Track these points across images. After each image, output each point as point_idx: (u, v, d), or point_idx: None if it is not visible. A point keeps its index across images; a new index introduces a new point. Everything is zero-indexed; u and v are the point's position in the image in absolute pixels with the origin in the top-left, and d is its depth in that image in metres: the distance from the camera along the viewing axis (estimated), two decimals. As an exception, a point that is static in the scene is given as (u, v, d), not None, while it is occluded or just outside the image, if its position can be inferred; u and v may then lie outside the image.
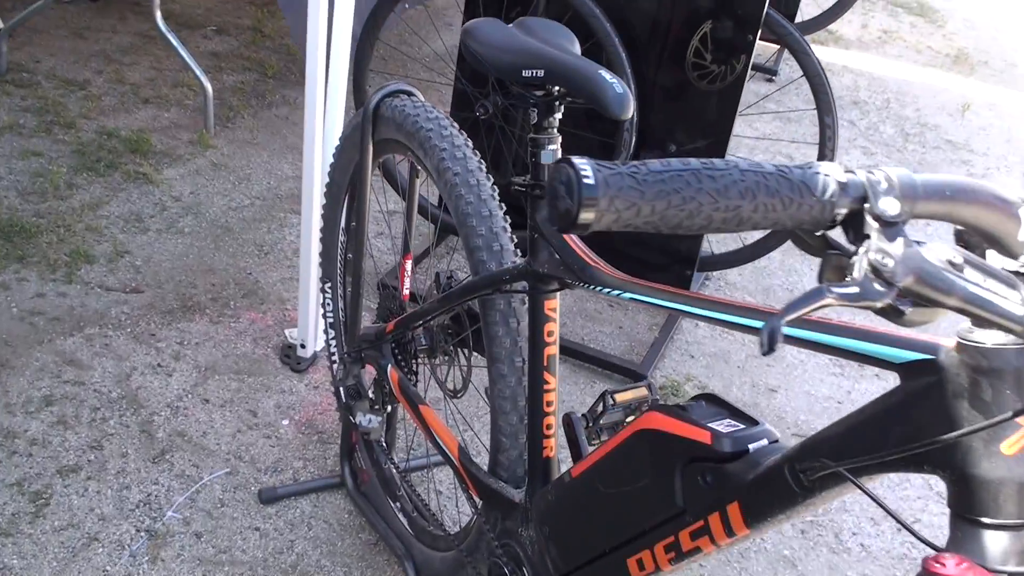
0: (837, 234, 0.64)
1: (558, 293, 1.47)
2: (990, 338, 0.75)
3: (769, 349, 0.60)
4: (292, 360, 2.70)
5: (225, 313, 2.87)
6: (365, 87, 3.31)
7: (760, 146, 4.77)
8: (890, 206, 0.64)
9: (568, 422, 1.53)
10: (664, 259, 3.08)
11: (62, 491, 2.17)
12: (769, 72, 5.57)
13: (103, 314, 2.77)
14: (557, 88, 1.38)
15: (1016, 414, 0.73)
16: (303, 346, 2.69)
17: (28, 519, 2.09)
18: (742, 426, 1.13)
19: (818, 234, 0.66)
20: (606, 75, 1.26)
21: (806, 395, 2.94)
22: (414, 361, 1.91)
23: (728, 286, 3.52)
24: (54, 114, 3.84)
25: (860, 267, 0.62)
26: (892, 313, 0.64)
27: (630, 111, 1.25)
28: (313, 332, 2.67)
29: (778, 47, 5.43)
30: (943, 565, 0.79)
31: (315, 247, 2.50)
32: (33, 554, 2.01)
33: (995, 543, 0.81)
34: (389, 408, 2.10)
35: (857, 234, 0.64)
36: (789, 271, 3.63)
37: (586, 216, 0.58)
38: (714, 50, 2.82)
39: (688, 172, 0.61)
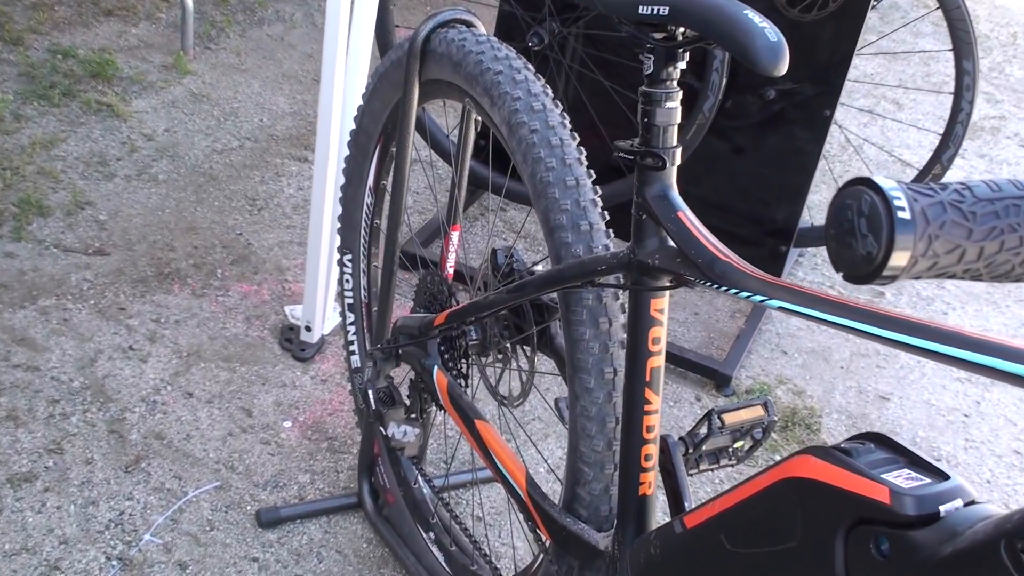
0: None
1: (668, 291, 1.40)
2: None
3: None
4: (295, 346, 2.64)
5: (211, 284, 2.81)
6: (390, 6, 3.21)
7: (859, 90, 4.68)
8: None
9: (663, 447, 1.48)
10: (753, 230, 3.01)
11: (14, 506, 2.12)
12: (873, -3, 5.46)
13: (61, 281, 2.72)
14: (683, 31, 1.30)
15: None
16: (308, 328, 2.63)
17: (-27, 540, 2.05)
18: (927, 480, 1.06)
19: None
20: (754, 17, 1.18)
21: (925, 405, 2.88)
22: (463, 361, 1.85)
23: (825, 264, 3.45)
24: (-4, 27, 3.78)
25: None
26: None
27: (784, 66, 1.17)
28: (322, 311, 2.61)
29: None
30: None
31: (329, 208, 2.44)
32: (-20, 585, 1.97)
33: None
34: (424, 415, 2.05)
35: None
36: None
37: (897, 262, 0.51)
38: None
39: None
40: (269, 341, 2.65)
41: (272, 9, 4.26)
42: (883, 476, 1.06)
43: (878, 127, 4.42)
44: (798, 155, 2.86)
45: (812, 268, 3.42)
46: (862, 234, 0.53)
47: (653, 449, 1.47)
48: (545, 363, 1.72)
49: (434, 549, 2.09)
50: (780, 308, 1.17)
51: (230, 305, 2.75)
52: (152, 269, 2.81)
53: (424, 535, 2.12)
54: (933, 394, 2.93)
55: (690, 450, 1.52)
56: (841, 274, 0.55)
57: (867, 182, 0.54)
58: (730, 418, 1.51)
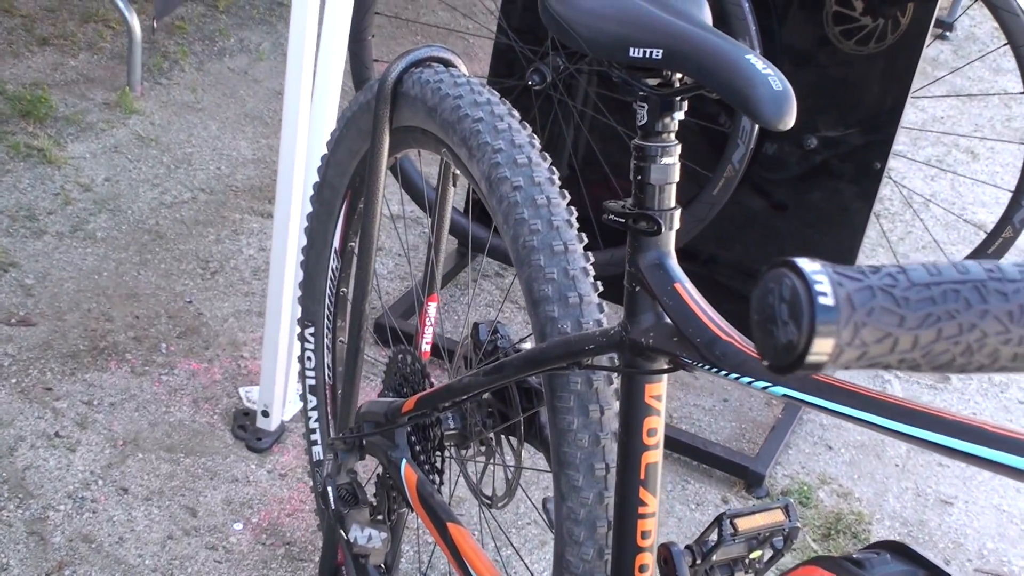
0: None
1: (665, 376, 1.45)
2: None
3: None
4: (250, 434, 2.69)
5: (153, 360, 2.87)
6: (366, 37, 3.30)
7: (926, 138, 4.75)
8: None
9: (665, 557, 1.51)
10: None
11: (-86, 619, 2.17)
12: (941, 26, 5.56)
13: (-23, 355, 2.78)
14: (680, 76, 1.36)
15: None
16: (266, 414, 2.68)
17: None
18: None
19: None
20: (756, 63, 1.24)
21: (995, 511, 2.91)
22: (436, 453, 1.90)
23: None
24: (-87, 57, 3.88)
25: None
26: None
27: (790, 120, 1.22)
28: (282, 394, 2.67)
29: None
30: None
31: (291, 273, 2.50)
32: None
33: None
34: (393, 516, 2.09)
35: None
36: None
37: (820, 352, 0.56)
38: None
39: (968, 285, 0.57)
40: (220, 428, 2.71)
41: (235, 38, 4.37)
42: (900, 593, 1.11)
43: (947, 181, 4.49)
44: (845, 214, 2.92)
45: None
46: (783, 321, 0.57)
47: (649, 559, 1.51)
48: (539, 459, 1.76)
49: (405, 676, 2.13)
50: (785, 396, 1.22)
51: (175, 386, 2.80)
52: (85, 343, 2.87)
53: (394, 659, 2.15)
54: (1004, 498, 2.96)
55: (698, 560, 1.55)
56: (766, 364, 0.59)
57: (789, 264, 0.59)
58: (744, 523, 1.55)
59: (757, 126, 2.90)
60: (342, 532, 1.96)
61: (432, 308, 2.07)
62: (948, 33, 5.66)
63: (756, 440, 2.98)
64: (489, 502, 1.83)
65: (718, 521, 1.53)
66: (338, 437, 2.02)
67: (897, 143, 4.64)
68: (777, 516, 1.56)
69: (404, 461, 1.86)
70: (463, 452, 1.90)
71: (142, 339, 2.93)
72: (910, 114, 4.87)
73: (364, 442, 1.97)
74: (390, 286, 3.29)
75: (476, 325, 1.88)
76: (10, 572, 2.29)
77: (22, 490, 2.46)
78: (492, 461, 1.85)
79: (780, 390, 1.22)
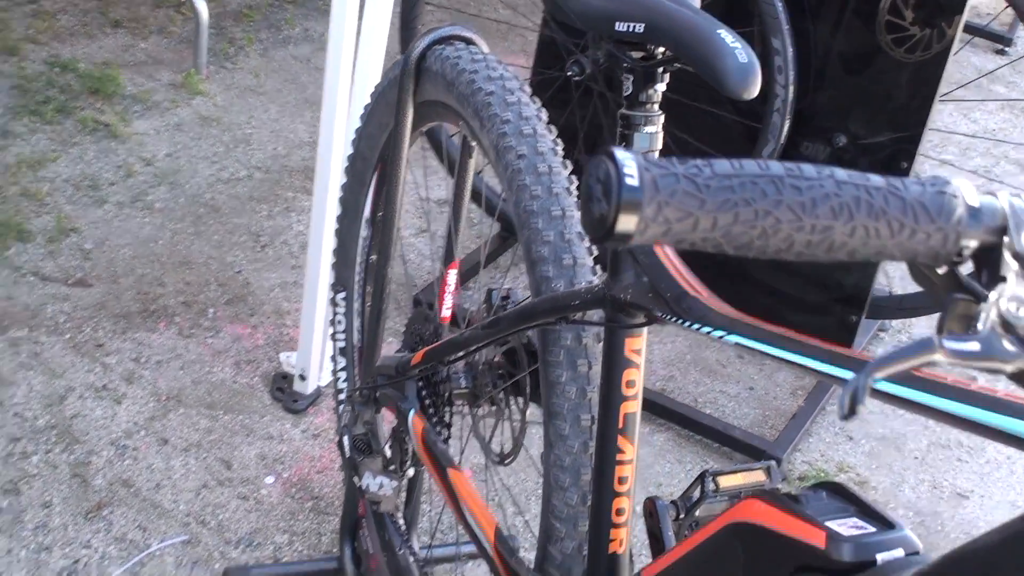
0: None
1: (645, 330, 1.54)
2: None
3: (850, 412, 0.67)
4: (287, 396, 2.81)
5: (200, 324, 3.00)
6: (416, 25, 3.42)
7: (977, 146, 4.78)
8: None
9: (651, 510, 1.59)
10: (822, 296, 3.13)
11: (-39, 547, 2.31)
12: (1000, 41, 5.58)
13: (35, 312, 2.92)
14: (662, 50, 1.45)
15: None
16: (303, 377, 2.80)
17: (-87, 580, 2.23)
18: (872, 529, 1.19)
19: (941, 271, 0.72)
20: (726, 36, 1.34)
21: (1010, 506, 2.96)
22: (448, 409, 2.00)
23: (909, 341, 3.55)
24: (-8, 34, 4.04)
25: (987, 318, 0.69)
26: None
27: (753, 89, 1.32)
28: (319, 359, 2.78)
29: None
30: None
31: (328, 244, 2.61)
32: (-84, 628, 2.15)
33: None
34: (411, 471, 2.19)
35: (992, 275, 0.70)
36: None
37: (625, 225, 0.66)
38: (917, 6, 2.87)
39: (765, 179, 0.67)
40: (259, 389, 2.83)
41: (300, 27, 4.50)
42: (825, 523, 1.19)
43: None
44: (870, 210, 2.98)
45: (899, 344, 3.52)
46: (598, 199, 0.67)
47: (626, 503, 1.60)
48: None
49: (413, 622, 2.23)
50: (738, 344, 1.31)
51: (219, 348, 2.93)
52: (137, 305, 3.01)
53: (404, 606, 2.26)
54: (1021, 494, 3.01)
55: (681, 515, 1.63)
56: (588, 237, 0.69)
57: (606, 151, 0.68)
58: (726, 481, 1.63)
59: (787, 123, 2.98)
60: (355, 479, 2.07)
61: (452, 275, 2.17)
62: (1007, 48, 5.67)
63: (778, 427, 3.05)
64: (498, 459, 1.93)
65: (701, 478, 1.62)
66: (354, 389, 2.13)
67: (946, 152, 4.70)
68: (758, 476, 1.63)
69: (412, 412, 1.96)
70: (476, 410, 2.00)
71: (191, 304, 3.06)
72: (962, 123, 4.91)
73: (378, 395, 2.07)
74: (431, 264, 3.40)
75: (489, 291, 1.98)
76: (52, 509, 2.42)
77: (69, 436, 2.59)
78: (501, 419, 1.94)
79: (734, 338, 1.32)
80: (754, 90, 1.32)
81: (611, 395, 1.56)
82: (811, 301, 3.15)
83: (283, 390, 2.82)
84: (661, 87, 1.50)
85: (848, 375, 1.14)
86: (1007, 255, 0.69)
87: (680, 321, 1.40)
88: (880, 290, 3.25)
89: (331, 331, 2.42)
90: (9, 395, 2.66)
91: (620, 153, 0.66)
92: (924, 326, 3.58)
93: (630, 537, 1.62)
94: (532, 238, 1.68)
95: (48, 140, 3.58)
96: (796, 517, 1.21)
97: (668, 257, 1.47)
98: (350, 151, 2.26)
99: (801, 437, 3.01)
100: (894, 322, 3.58)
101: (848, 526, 1.20)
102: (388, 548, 2.32)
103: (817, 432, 3.09)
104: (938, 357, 0.68)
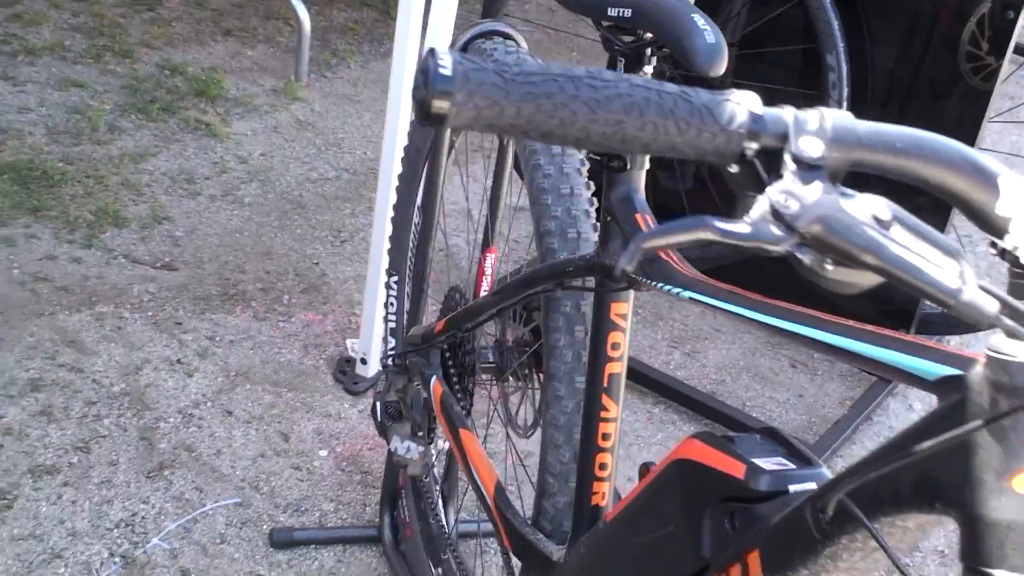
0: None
1: (631, 295, 1.64)
2: (1021, 352, 0.90)
3: (622, 272, 0.78)
4: (348, 378, 2.95)
5: (275, 309, 3.16)
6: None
7: (1014, 163, 4.77)
8: (812, 147, 0.80)
9: (643, 473, 1.69)
10: (871, 310, 3.19)
11: (31, 494, 2.47)
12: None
13: (123, 290, 3.10)
14: (649, 34, 1.56)
15: (987, 422, 0.88)
16: (364, 361, 2.94)
17: (-16, 521, 2.40)
18: (792, 466, 1.28)
19: (733, 170, 0.83)
20: (698, 19, 1.44)
21: None
22: (471, 380, 2.11)
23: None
24: (109, 37, 4.27)
25: (760, 207, 0.79)
26: (804, 267, 0.79)
27: (720, 67, 1.42)
28: (379, 344, 2.91)
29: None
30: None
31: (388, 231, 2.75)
32: (-18, 562, 2.31)
33: (999, 601, 0.95)
34: (443, 443, 2.31)
35: (772, 174, 0.80)
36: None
37: (439, 107, 0.77)
38: (992, 36, 2.96)
39: (565, 78, 0.78)
40: (323, 371, 2.97)
41: (401, 42, 4.67)
42: (750, 459, 1.29)
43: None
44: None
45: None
46: (419, 86, 0.78)
47: (609, 459, 1.70)
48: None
49: (440, 585, 2.34)
50: (690, 299, 1.42)
51: (290, 332, 3.08)
52: (217, 289, 3.18)
53: (432, 570, 2.37)
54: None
55: (674, 481, 1.73)
56: (417, 121, 0.80)
57: (431, 50, 0.80)
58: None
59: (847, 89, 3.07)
60: (386, 441, 2.19)
61: (489, 259, 2.29)
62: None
63: (822, 432, 3.11)
64: (522, 431, 2.04)
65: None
66: (385, 357, 2.26)
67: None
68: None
69: (435, 377, 2.08)
70: (504, 385, 2.11)
71: (268, 290, 3.22)
72: (1000, 143, 4.92)
73: (408, 364, 2.20)
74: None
75: (520, 269, 2.09)
76: (118, 467, 2.58)
77: (140, 403, 2.76)
78: (526, 393, 2.05)
79: (688, 293, 1.42)
80: (720, 68, 1.42)
81: (597, 356, 1.66)
82: (862, 314, 3.20)
83: (345, 372, 2.96)
84: (649, 69, 1.60)
85: (809, 332, 1.24)
86: (787, 157, 0.80)
87: (650, 281, 1.51)
88: (930, 307, 3.30)
89: (384, 313, 2.56)
90: (90, 363, 2.84)
91: (439, 50, 0.78)
92: (975, 343, 3.61)
93: (612, 491, 1.72)
94: (542, 213, 1.80)
95: (152, 136, 3.78)
96: (724, 453, 1.31)
97: (648, 224, 1.58)
98: (406, 143, 2.40)
99: (842, 443, 3.07)
100: (954, 342, 3.61)
101: (771, 463, 1.29)
102: (423, 517, 2.45)
103: (862, 440, 3.14)
104: (707, 235, 0.79)
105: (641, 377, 3.14)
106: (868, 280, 0.81)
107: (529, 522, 1.83)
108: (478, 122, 0.78)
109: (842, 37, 2.98)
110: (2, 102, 3.84)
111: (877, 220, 0.79)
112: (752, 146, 0.81)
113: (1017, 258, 0.88)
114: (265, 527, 2.51)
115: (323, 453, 2.73)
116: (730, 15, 3.40)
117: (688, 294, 1.42)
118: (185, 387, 2.84)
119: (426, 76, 0.76)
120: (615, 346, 1.66)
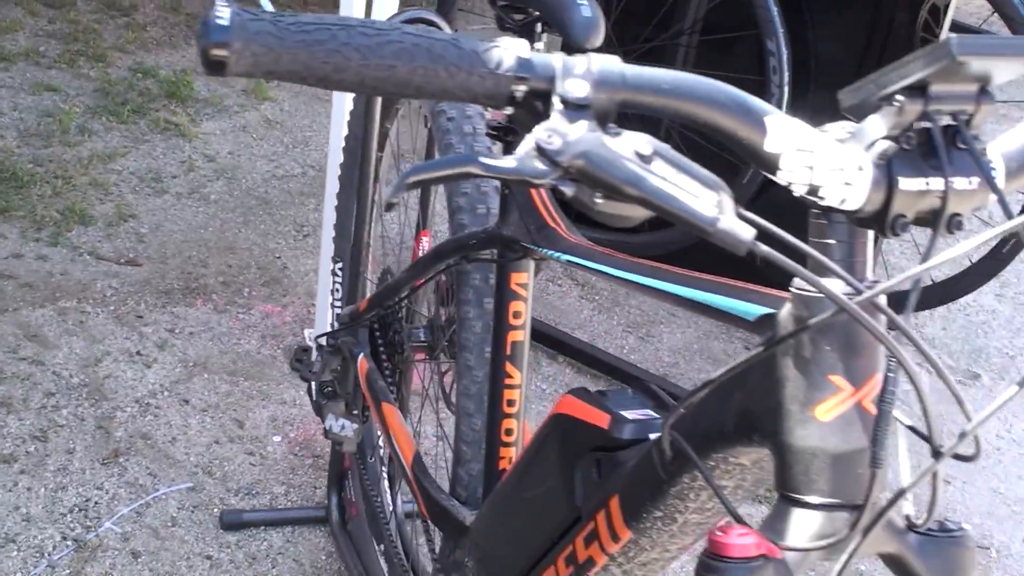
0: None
1: (531, 265, 1.69)
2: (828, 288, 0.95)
3: (386, 205, 0.84)
4: (304, 367, 2.98)
5: (235, 301, 3.21)
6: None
7: None
8: (576, 88, 0.84)
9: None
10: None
11: (-14, 482, 2.53)
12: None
13: (86, 286, 3.16)
14: (536, 12, 1.61)
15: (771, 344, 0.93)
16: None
17: (-60, 507, 2.45)
18: (656, 416, 1.33)
19: (508, 111, 0.87)
20: (577, -6, 1.49)
21: (991, 492, 3.03)
22: (400, 357, 2.16)
23: (927, 341, 3.62)
24: (84, 43, 4.34)
25: (526, 144, 0.83)
26: (575, 200, 0.84)
27: (595, 39, 1.47)
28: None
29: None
30: (723, 533, 0.98)
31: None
32: (-64, 547, 2.37)
33: (801, 524, 0.99)
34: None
35: (542, 114, 0.85)
36: (1017, 330, 3.71)
37: (217, 55, 0.82)
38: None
39: (338, 26, 0.83)
40: (280, 360, 3.02)
41: (372, 42, 4.72)
42: (617, 411, 1.34)
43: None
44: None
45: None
46: (201, 36, 0.83)
47: (514, 424, 1.74)
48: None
49: (382, 561, 2.39)
50: (568, 262, 1.47)
51: (249, 323, 3.14)
52: (180, 283, 3.23)
53: (376, 547, 2.42)
54: (1004, 482, 3.07)
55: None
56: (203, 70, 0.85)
57: (213, 4, 0.85)
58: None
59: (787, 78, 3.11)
60: (321, 419, 2.24)
61: (424, 242, 2.34)
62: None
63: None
64: (454, 407, 2.09)
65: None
66: (318, 337, 2.31)
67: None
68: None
69: (361, 354, 2.14)
70: (436, 363, 2.16)
71: (230, 283, 3.27)
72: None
73: (338, 342, 2.25)
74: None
75: (384, 271, 2.16)
76: (74, 455, 2.63)
77: (99, 393, 2.81)
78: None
79: (565, 257, 1.48)
80: (596, 41, 1.47)
81: (500, 325, 1.71)
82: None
83: (301, 361, 2.99)
84: (540, 45, 1.65)
85: (659, 285, 1.29)
86: (555, 99, 0.84)
87: (541, 249, 1.56)
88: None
89: (330, 300, 2.60)
90: (51, 356, 2.89)
91: (219, 4, 0.83)
92: (939, 328, 3.65)
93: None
94: (453, 191, 1.85)
95: (122, 137, 3.84)
96: (592, 406, 1.35)
97: (540, 199, 1.63)
98: (345, 131, 2.45)
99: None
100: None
101: (636, 414, 1.34)
102: (367, 497, 2.50)
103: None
104: (473, 170, 0.83)
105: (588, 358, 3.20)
106: (637, 213, 0.86)
107: (446, 491, 1.87)
108: (258, 68, 0.83)
109: (782, 23, 3.03)
110: (-26, 107, 3.92)
111: (639, 155, 0.84)
112: (521, 89, 0.86)
113: (815, 200, 0.93)
114: (216, 510, 2.56)
115: (276, 439, 2.78)
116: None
117: (566, 258, 1.48)
118: (143, 378, 2.89)
119: (206, 27, 0.81)
120: (516, 315, 1.71)
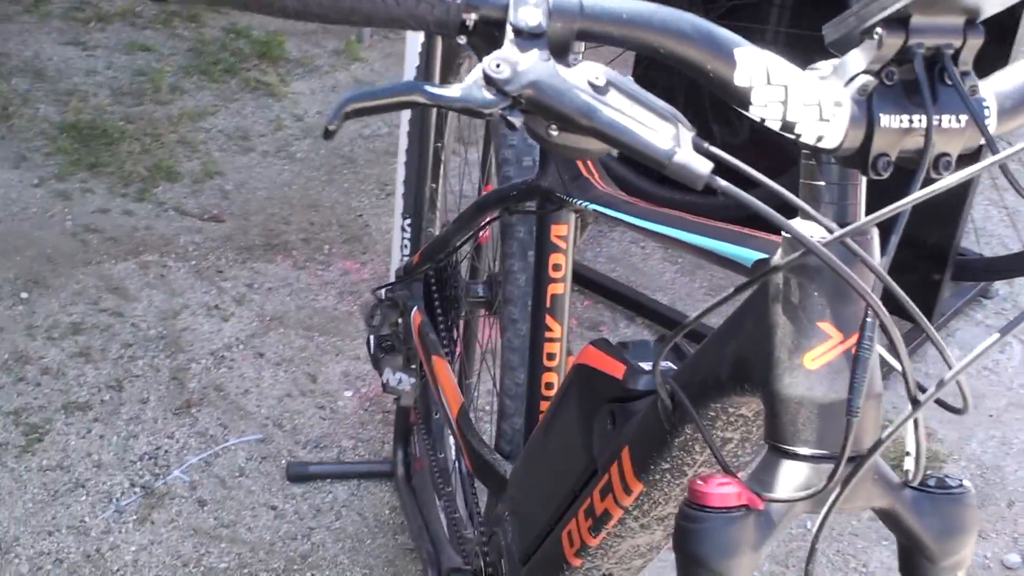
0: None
1: (572, 218, 1.67)
2: (805, 229, 0.91)
3: (325, 133, 0.82)
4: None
5: (315, 258, 3.23)
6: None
7: None
8: (530, 16, 0.81)
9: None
10: (906, 254, 3.15)
11: (62, 428, 2.57)
12: None
13: (169, 240, 3.20)
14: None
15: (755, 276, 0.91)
16: (395, 306, 2.99)
17: (15, 452, 2.50)
18: (673, 367, 1.30)
19: (461, 41, 0.85)
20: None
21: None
22: (455, 311, 2.16)
23: (1017, 311, 3.52)
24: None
25: (474, 73, 0.81)
26: (530, 131, 0.82)
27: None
28: (407, 289, 2.97)
29: None
30: (704, 482, 0.96)
31: (408, 176, 2.80)
32: (9, 490, 2.41)
33: (787, 475, 0.96)
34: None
35: (494, 43, 0.82)
36: (1114, 299, 3.59)
37: None
38: None
39: None
40: (356, 317, 3.03)
41: (466, 3, 4.71)
42: (635, 361, 1.32)
43: None
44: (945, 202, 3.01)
45: (996, 312, 3.50)
46: None
47: (555, 378, 1.73)
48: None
49: (442, 515, 2.39)
50: (595, 211, 1.45)
51: (328, 280, 3.15)
52: (261, 239, 3.26)
53: (437, 502, 2.42)
54: (1090, 456, 2.98)
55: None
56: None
57: None
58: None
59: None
60: (379, 374, 2.25)
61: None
62: None
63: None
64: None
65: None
66: (376, 290, 2.31)
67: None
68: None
69: (415, 308, 2.13)
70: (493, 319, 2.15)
71: (310, 240, 3.29)
72: None
73: (396, 294, 2.25)
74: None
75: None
76: (147, 404, 2.67)
77: (175, 345, 2.84)
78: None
79: (593, 206, 1.45)
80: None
81: (540, 277, 1.69)
82: (899, 258, 3.17)
83: (374, 316, 3.02)
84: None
85: (666, 231, 1.27)
86: (508, 28, 0.82)
87: (575, 200, 1.54)
88: (968, 251, 3.26)
89: (400, 255, 2.61)
90: (131, 308, 2.94)
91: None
92: None
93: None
94: (500, 143, 1.83)
95: (212, 96, 3.88)
96: (611, 356, 1.33)
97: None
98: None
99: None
100: (1001, 290, 3.55)
101: (651, 363, 1.31)
102: (432, 451, 2.50)
103: (894, 387, 3.10)
104: (417, 98, 0.81)
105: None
106: (594, 146, 0.83)
107: (492, 445, 1.86)
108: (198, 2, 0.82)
109: None
110: (71, 66, 3.98)
111: (593, 86, 0.81)
112: (472, 17, 0.84)
113: (803, 143, 0.89)
114: (284, 463, 2.58)
115: (348, 393, 2.80)
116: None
117: (594, 207, 1.45)
118: (220, 331, 2.92)
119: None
120: (557, 267, 1.69)
